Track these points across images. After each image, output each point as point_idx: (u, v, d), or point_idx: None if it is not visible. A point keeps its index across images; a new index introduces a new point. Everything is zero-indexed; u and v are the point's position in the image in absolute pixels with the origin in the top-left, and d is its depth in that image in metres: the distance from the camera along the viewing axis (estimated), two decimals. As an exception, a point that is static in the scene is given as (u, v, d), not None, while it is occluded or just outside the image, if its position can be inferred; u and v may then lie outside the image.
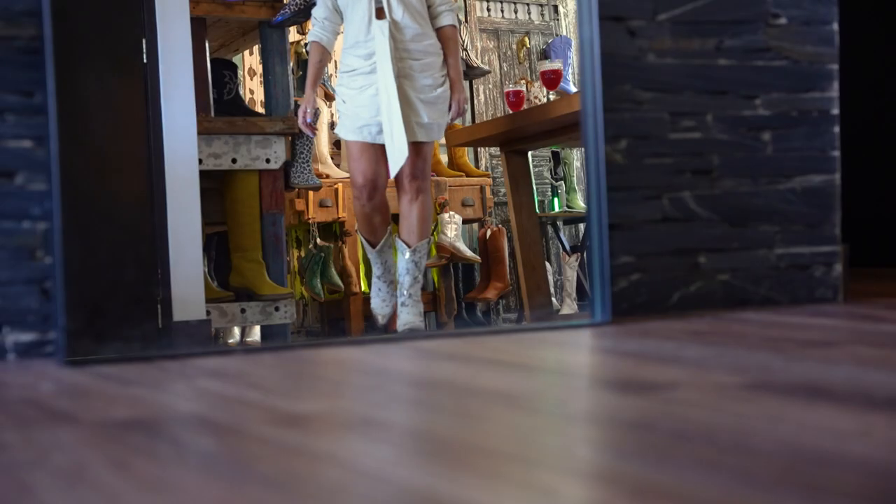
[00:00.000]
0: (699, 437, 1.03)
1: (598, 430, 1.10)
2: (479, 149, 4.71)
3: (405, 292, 3.14)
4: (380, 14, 3.01)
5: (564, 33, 5.06)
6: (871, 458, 0.93)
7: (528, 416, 1.19)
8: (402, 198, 3.14)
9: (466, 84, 4.87)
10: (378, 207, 3.18)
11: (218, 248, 3.47)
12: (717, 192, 2.28)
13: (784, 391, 1.26)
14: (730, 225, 2.29)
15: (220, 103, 3.36)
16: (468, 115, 4.86)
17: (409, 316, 3.12)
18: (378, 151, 3.09)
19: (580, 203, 4.66)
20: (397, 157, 3.02)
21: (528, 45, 5.01)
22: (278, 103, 3.37)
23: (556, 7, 5.09)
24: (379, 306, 3.26)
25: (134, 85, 1.97)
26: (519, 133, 3.46)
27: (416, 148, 3.06)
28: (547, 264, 4.07)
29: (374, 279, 3.28)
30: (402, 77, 3.03)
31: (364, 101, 3.06)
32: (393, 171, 3.05)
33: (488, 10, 4.92)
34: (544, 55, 5.07)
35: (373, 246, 3.21)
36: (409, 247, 3.13)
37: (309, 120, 3.15)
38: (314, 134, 3.27)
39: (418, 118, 3.04)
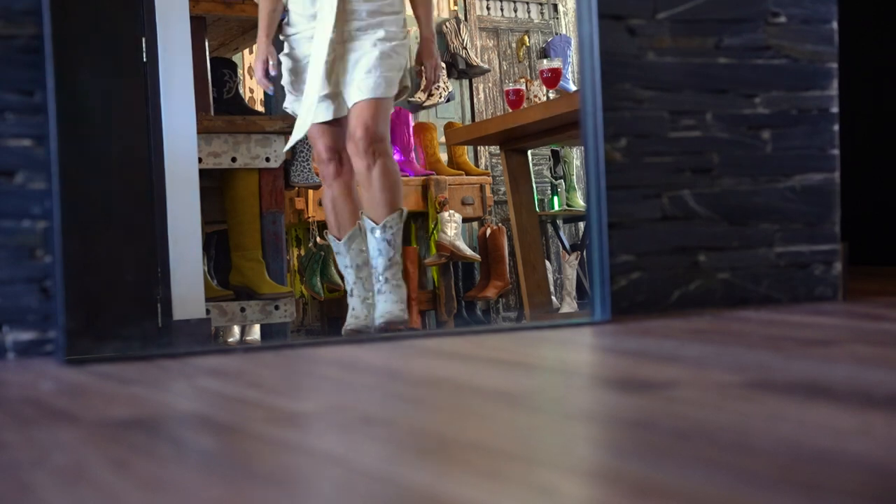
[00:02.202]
0: (699, 435, 1.03)
1: (598, 428, 1.10)
2: (478, 147, 4.71)
3: (380, 277, 2.73)
4: None
5: (564, 32, 5.07)
6: (871, 457, 0.93)
7: (527, 415, 1.19)
8: (359, 165, 2.74)
9: (466, 83, 4.88)
10: (346, 190, 2.84)
11: (218, 246, 3.47)
12: (717, 190, 2.28)
13: (784, 390, 1.26)
14: (729, 223, 2.29)
15: (219, 102, 3.36)
16: (468, 114, 4.86)
17: (387, 304, 2.71)
18: (340, 121, 2.79)
19: (580, 202, 4.66)
20: (296, 131, 2.76)
21: (528, 44, 5.01)
22: (278, 102, 3.37)
23: (555, 5, 5.09)
24: (356, 317, 2.79)
25: (134, 84, 1.97)
26: (519, 132, 3.46)
27: (368, 105, 2.72)
28: (547, 263, 4.07)
29: (350, 286, 2.83)
30: (347, 41, 2.74)
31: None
32: (289, 142, 2.82)
33: (488, 8, 4.92)
34: (544, 54, 5.07)
35: (339, 238, 2.84)
36: (376, 223, 2.73)
37: (273, 73, 2.79)
38: (272, 91, 2.86)
39: (365, 74, 2.71)
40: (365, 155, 2.70)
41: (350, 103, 2.74)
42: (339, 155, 2.81)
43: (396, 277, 2.74)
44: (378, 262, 2.74)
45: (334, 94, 2.77)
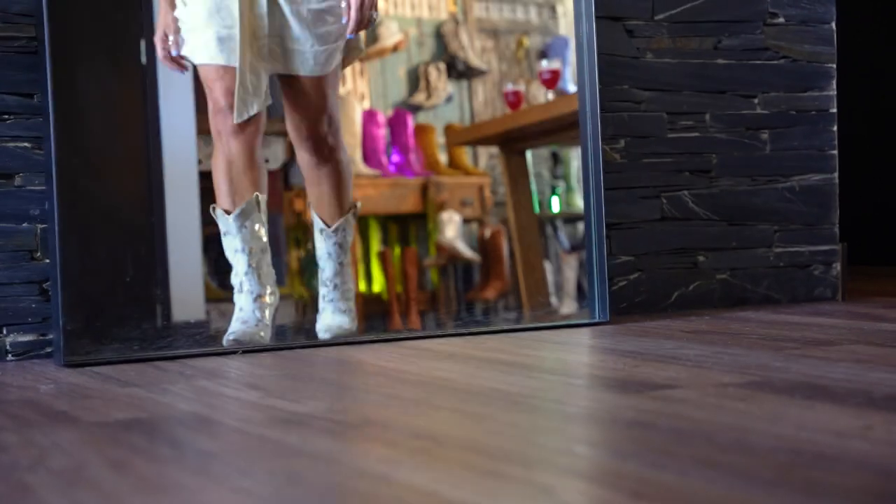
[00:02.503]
0: (699, 436, 1.03)
1: (598, 429, 1.10)
2: (477, 148, 4.71)
3: (328, 282, 2.33)
4: None
5: (563, 33, 5.07)
6: (871, 457, 0.93)
7: (527, 416, 1.19)
8: (305, 160, 2.36)
9: (465, 84, 4.87)
10: (249, 151, 2.30)
11: (217, 248, 3.47)
12: (716, 191, 2.28)
13: (783, 390, 1.26)
14: (728, 224, 2.29)
15: (218, 103, 3.36)
16: (467, 115, 4.86)
17: (336, 316, 2.22)
18: None
19: (579, 203, 4.66)
20: (241, 94, 2.20)
21: (526, 45, 5.01)
22: (277, 102, 3.38)
23: (552, 7, 5.09)
24: (241, 323, 2.03)
25: (132, 85, 1.97)
26: (518, 133, 3.46)
27: (310, 84, 2.28)
28: (546, 264, 4.07)
29: (239, 278, 2.16)
30: None
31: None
32: (235, 117, 2.20)
33: (486, 9, 4.92)
34: (543, 55, 5.07)
35: (229, 212, 2.22)
36: (328, 225, 2.40)
37: (174, 52, 2.07)
38: (183, 71, 2.11)
39: (303, 43, 2.26)
40: (320, 149, 2.34)
41: (290, 71, 2.24)
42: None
43: (346, 282, 2.36)
44: (327, 267, 2.37)
45: (275, 51, 2.25)
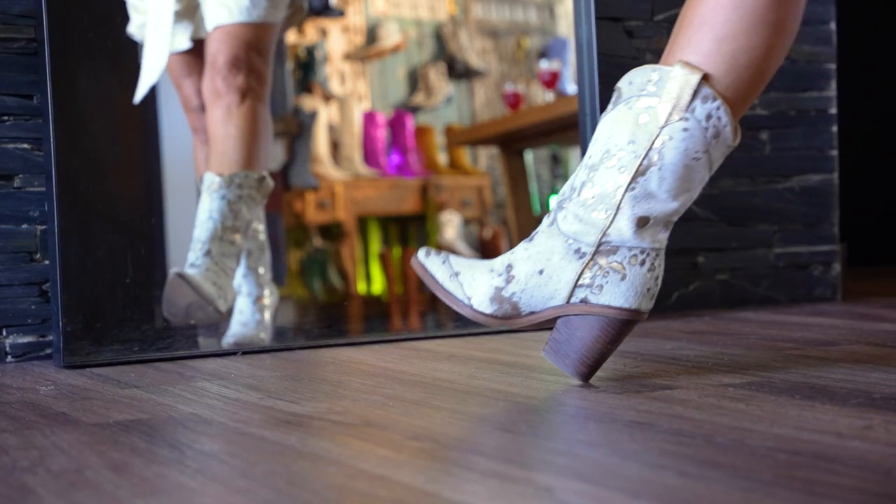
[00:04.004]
0: (699, 436, 1.03)
1: (598, 429, 1.10)
2: (477, 148, 4.71)
3: (204, 245, 1.91)
4: None
5: (562, 34, 5.07)
6: (871, 457, 0.94)
7: (527, 416, 1.19)
8: (216, 107, 1.98)
9: (465, 84, 4.88)
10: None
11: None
12: (716, 191, 2.28)
13: (783, 390, 1.26)
14: (728, 224, 2.29)
15: (218, 104, 3.36)
16: (467, 115, 4.86)
17: (190, 271, 1.89)
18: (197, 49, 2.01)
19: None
20: (149, 65, 1.93)
21: (526, 46, 5.01)
22: (277, 103, 3.38)
23: (551, 7, 5.09)
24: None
25: (132, 87, 1.97)
26: (517, 133, 3.46)
27: (237, 31, 1.98)
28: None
29: (238, 280, 2.04)
30: None
31: None
32: (138, 93, 1.93)
33: (486, 10, 4.93)
34: (543, 55, 5.07)
35: None
36: (219, 175, 1.94)
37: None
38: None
39: None
40: (226, 91, 1.96)
41: (210, 25, 1.97)
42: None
43: (225, 259, 1.94)
44: (204, 229, 1.92)
45: (191, 7, 1.99)
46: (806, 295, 2.33)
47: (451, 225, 4.30)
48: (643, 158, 1.30)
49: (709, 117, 1.29)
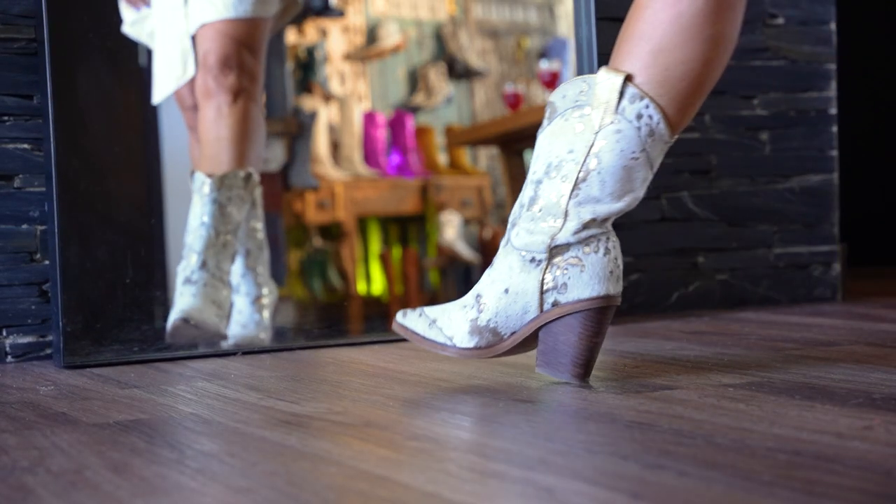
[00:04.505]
0: (699, 436, 1.03)
1: (598, 429, 1.10)
2: (477, 148, 4.71)
3: (198, 258, 1.85)
4: None
5: (563, 34, 5.07)
6: (871, 458, 0.94)
7: (527, 416, 1.19)
8: (207, 106, 1.94)
9: (465, 84, 4.88)
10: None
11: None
12: (716, 191, 2.28)
13: (783, 390, 1.26)
14: (728, 225, 2.29)
15: (218, 105, 3.36)
16: (467, 116, 4.86)
17: (196, 300, 1.84)
18: None
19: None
20: (165, 70, 1.93)
21: (526, 47, 5.01)
22: (277, 103, 3.38)
23: (551, 8, 5.09)
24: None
25: (132, 87, 1.97)
26: (518, 133, 3.46)
27: (226, 28, 1.92)
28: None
29: (237, 279, 2.00)
30: None
31: None
32: (156, 96, 1.95)
33: (486, 10, 4.92)
34: (543, 56, 5.07)
35: None
36: (209, 177, 1.88)
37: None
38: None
39: None
40: (218, 90, 1.92)
41: (197, 21, 1.93)
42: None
43: (221, 265, 1.89)
44: (198, 237, 1.87)
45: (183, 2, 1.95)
46: (806, 295, 2.33)
47: (451, 225, 4.30)
48: (582, 165, 1.33)
49: (639, 116, 1.32)
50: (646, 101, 1.31)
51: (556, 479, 0.91)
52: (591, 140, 1.33)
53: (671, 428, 1.08)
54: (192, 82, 1.98)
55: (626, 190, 1.34)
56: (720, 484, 0.86)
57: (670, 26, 1.30)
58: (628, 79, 1.32)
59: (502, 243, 1.41)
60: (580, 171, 1.33)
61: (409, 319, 1.43)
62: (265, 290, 2.09)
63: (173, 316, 1.83)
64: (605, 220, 1.35)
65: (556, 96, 1.39)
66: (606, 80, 1.33)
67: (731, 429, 1.07)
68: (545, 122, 1.39)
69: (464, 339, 1.37)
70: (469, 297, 1.39)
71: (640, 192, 1.36)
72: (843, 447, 0.97)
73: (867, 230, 3.25)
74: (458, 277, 4.51)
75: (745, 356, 1.56)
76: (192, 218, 1.89)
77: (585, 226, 1.33)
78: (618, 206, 1.34)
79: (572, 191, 1.33)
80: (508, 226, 1.39)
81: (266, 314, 2.06)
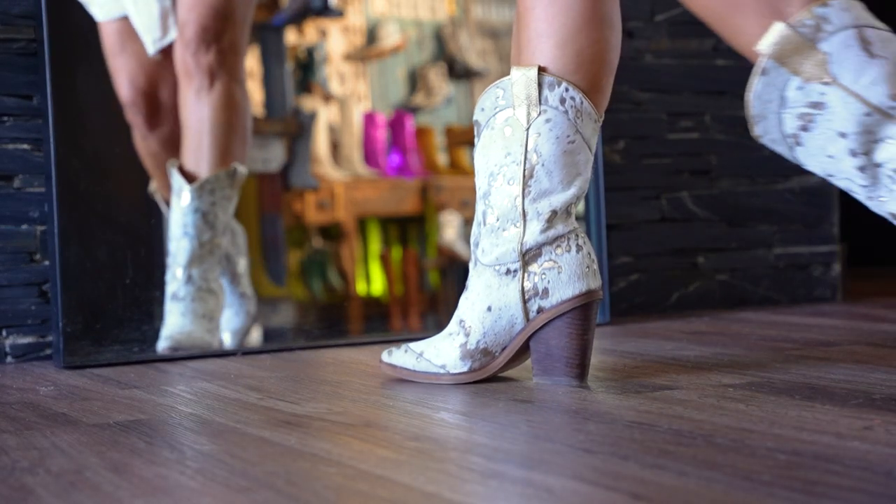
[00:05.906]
0: (699, 437, 1.03)
1: (597, 429, 1.10)
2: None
3: (182, 273, 1.79)
4: None
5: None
6: (871, 458, 0.94)
7: (527, 417, 1.19)
8: (186, 88, 1.81)
9: (465, 85, 4.87)
10: (171, 142, 1.87)
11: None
12: (716, 192, 2.28)
13: (783, 391, 1.26)
14: (728, 225, 2.29)
15: (218, 105, 3.36)
16: (467, 116, 4.85)
17: (185, 320, 1.79)
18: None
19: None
20: (145, 21, 1.80)
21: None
22: (276, 105, 3.38)
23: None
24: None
25: (132, 87, 1.97)
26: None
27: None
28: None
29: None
30: None
31: None
32: (150, 47, 1.82)
33: (486, 10, 4.92)
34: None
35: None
36: (188, 182, 1.78)
37: None
38: None
39: None
40: (197, 70, 1.78)
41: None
42: (149, 95, 1.88)
43: (208, 273, 1.80)
44: (182, 249, 1.78)
45: None
46: (806, 295, 2.33)
47: (450, 225, 4.30)
48: (524, 163, 1.35)
49: (563, 101, 1.34)
50: (564, 84, 1.33)
51: (556, 479, 0.91)
52: (524, 137, 1.34)
53: (671, 428, 1.08)
54: (134, 61, 1.84)
55: (573, 174, 1.35)
56: (720, 484, 0.86)
57: (566, 17, 1.33)
58: (542, 70, 1.33)
59: (471, 265, 1.42)
60: (524, 170, 1.34)
61: (396, 357, 1.44)
62: (245, 281, 2.00)
63: (162, 343, 1.81)
64: (565, 212, 1.35)
65: (476, 114, 1.43)
66: (522, 77, 1.34)
67: (731, 429, 1.07)
68: (476, 140, 1.42)
69: (456, 365, 1.38)
70: (453, 325, 1.40)
71: (588, 174, 1.38)
72: (842, 447, 0.97)
73: (867, 230, 3.25)
74: (458, 277, 4.51)
75: (745, 356, 1.56)
76: (173, 225, 1.80)
77: (549, 222, 1.34)
78: (570, 192, 1.35)
79: (523, 190, 1.34)
80: (472, 247, 1.40)
81: (251, 306, 2.04)
